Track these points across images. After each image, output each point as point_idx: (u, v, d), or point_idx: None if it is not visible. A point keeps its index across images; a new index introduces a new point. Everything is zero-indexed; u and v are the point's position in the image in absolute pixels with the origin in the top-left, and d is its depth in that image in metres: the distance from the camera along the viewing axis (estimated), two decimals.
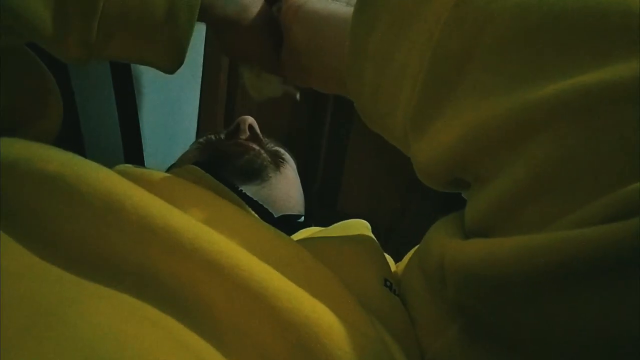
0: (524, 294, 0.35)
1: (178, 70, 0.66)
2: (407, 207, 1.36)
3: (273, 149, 0.97)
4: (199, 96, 1.47)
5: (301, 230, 0.79)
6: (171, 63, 0.64)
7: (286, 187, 0.92)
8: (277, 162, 0.94)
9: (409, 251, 0.67)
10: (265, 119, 1.03)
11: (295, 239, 0.62)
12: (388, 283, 0.57)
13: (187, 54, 0.63)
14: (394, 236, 1.29)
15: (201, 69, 1.44)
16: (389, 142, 0.57)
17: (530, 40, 0.37)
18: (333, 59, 0.60)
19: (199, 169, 0.72)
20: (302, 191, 1.01)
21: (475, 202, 0.43)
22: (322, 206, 1.46)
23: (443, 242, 0.45)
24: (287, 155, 1.01)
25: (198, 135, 1.48)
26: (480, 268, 0.37)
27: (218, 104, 1.51)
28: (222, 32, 0.70)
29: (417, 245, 0.58)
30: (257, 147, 0.92)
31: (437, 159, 0.45)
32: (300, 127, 1.50)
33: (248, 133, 0.97)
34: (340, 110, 1.43)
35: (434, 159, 0.45)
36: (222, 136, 0.98)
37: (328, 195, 1.48)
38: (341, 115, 1.43)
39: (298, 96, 0.83)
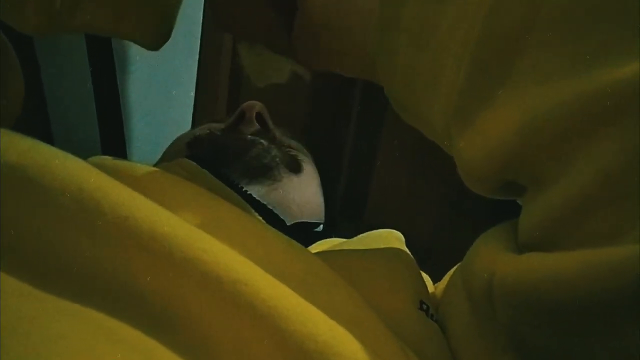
0: (594, 320, 0.34)
1: (170, 44, 0.66)
2: (449, 218, 1.36)
3: (286, 143, 0.97)
4: (195, 76, 1.47)
5: (319, 242, 0.79)
6: (154, 37, 0.64)
7: (303, 189, 0.92)
8: (292, 160, 0.93)
9: (450, 269, 0.66)
10: (278, 108, 1.03)
11: (313, 251, 0.62)
12: (424, 306, 0.57)
13: (182, 25, 0.63)
14: (433, 252, 1.29)
15: (199, 42, 1.44)
16: (427, 138, 0.57)
17: (604, 9, 0.36)
18: (359, 34, 0.59)
19: (194, 163, 0.72)
20: (322, 196, 1.01)
21: (533, 210, 0.42)
22: (346, 216, 1.46)
23: (492, 257, 0.44)
24: (304, 151, 1.01)
25: (194, 123, 1.48)
26: (539, 289, 0.37)
27: (220, 85, 1.50)
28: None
29: (459, 263, 0.57)
30: (265, 143, 0.92)
31: (487, 157, 0.44)
32: (321, 119, 1.50)
33: (255, 123, 0.97)
34: (370, 100, 1.42)
35: (482, 157, 0.45)
36: (222, 126, 0.98)
37: (353, 203, 1.47)
38: (371, 106, 1.42)
39: (307, 76, 0.82)
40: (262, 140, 0.90)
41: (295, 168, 0.92)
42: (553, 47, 0.38)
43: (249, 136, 0.91)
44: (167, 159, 0.91)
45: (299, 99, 1.46)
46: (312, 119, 1.49)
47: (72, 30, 0.62)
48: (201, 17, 1.40)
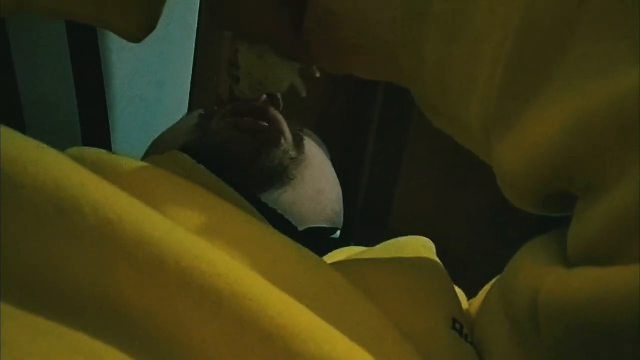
0: None
1: (163, 19, 0.65)
2: (486, 225, 1.35)
3: (296, 127, 0.97)
4: (192, 55, 1.47)
5: (336, 250, 0.79)
6: (137, 26, 0.63)
7: (316, 177, 0.92)
8: (300, 145, 0.93)
9: (487, 283, 0.66)
10: (289, 101, 1.02)
11: (328, 261, 0.61)
12: (457, 325, 0.57)
13: (178, 2, 0.63)
14: (467, 264, 1.28)
15: (197, 16, 1.43)
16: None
17: None
18: (383, 27, 0.58)
19: (187, 157, 0.72)
20: (340, 193, 1.00)
21: (586, 219, 0.41)
22: (367, 222, 1.45)
23: (537, 271, 0.44)
24: (314, 137, 1.00)
25: (191, 111, 1.46)
26: (594, 307, 0.36)
27: (221, 67, 1.49)
28: None
29: (498, 276, 0.57)
30: (277, 114, 0.92)
31: (533, 162, 0.43)
32: (340, 112, 1.49)
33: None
34: (395, 91, 1.41)
35: (527, 164, 0.44)
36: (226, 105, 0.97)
37: (376, 209, 1.46)
38: (397, 97, 1.42)
39: (304, 93, 0.81)
40: (273, 113, 0.90)
41: (303, 154, 0.93)
42: (605, 33, 0.38)
43: (259, 107, 0.90)
44: (161, 147, 0.90)
45: (314, 91, 1.45)
46: (327, 114, 1.49)
47: (42, 13, 0.61)
48: None
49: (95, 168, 0.46)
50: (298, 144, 0.93)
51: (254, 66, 0.75)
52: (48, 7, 0.60)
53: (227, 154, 0.85)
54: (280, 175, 0.87)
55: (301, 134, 0.97)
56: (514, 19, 0.42)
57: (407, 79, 0.56)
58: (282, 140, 0.90)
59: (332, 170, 1.01)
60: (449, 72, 0.50)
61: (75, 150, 0.60)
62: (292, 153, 0.90)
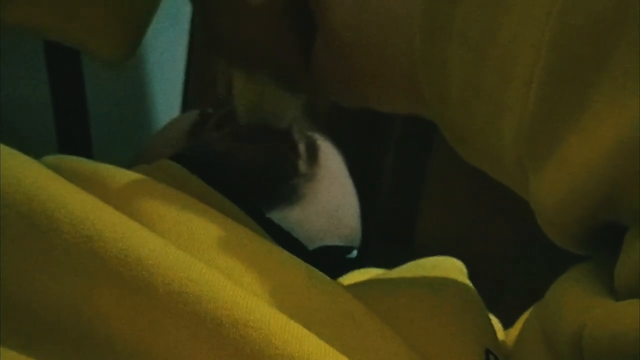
0: None
1: (158, 18, 0.65)
2: (524, 248, 1.35)
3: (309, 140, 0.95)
4: (185, 53, 1.47)
5: (353, 272, 0.79)
6: (115, 48, 0.64)
7: (330, 193, 0.90)
8: (314, 157, 0.91)
9: (524, 312, 0.66)
10: None
11: (345, 284, 0.61)
12: (491, 357, 0.56)
13: None
14: (504, 289, 1.28)
15: (190, 10, 1.43)
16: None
17: None
18: (400, 50, 0.57)
19: (180, 166, 0.71)
20: (358, 208, 1.00)
21: (637, 249, 0.41)
22: (388, 241, 1.44)
23: (582, 303, 0.44)
24: (327, 144, 1.00)
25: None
26: None
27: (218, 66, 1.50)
28: (212, 11, 0.70)
29: (536, 303, 0.57)
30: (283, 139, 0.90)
31: (573, 192, 0.43)
32: (357, 117, 1.49)
33: None
34: None
35: (567, 194, 0.44)
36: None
37: (399, 226, 1.46)
38: None
39: (309, 131, 0.81)
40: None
41: (317, 161, 0.91)
42: None
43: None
44: (151, 154, 0.90)
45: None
46: (342, 118, 1.48)
47: (8, 26, 0.61)
48: None
49: (74, 178, 0.46)
50: (311, 155, 0.91)
51: (252, 96, 0.75)
52: (13, 22, 0.60)
53: (222, 169, 0.82)
54: (287, 194, 0.84)
55: (316, 143, 0.95)
56: (547, 32, 0.42)
57: (430, 108, 0.56)
58: (292, 154, 0.88)
59: (350, 182, 0.99)
60: (476, 97, 0.50)
61: (51, 158, 0.59)
62: (303, 168, 0.88)
